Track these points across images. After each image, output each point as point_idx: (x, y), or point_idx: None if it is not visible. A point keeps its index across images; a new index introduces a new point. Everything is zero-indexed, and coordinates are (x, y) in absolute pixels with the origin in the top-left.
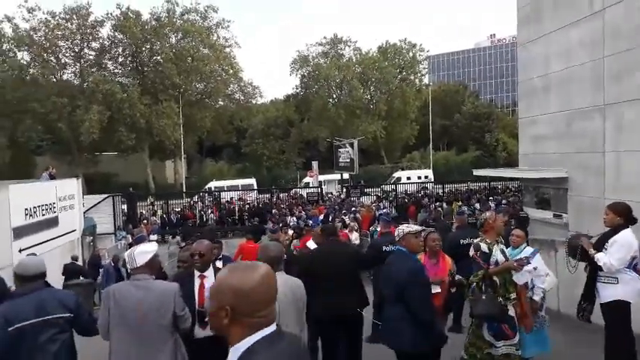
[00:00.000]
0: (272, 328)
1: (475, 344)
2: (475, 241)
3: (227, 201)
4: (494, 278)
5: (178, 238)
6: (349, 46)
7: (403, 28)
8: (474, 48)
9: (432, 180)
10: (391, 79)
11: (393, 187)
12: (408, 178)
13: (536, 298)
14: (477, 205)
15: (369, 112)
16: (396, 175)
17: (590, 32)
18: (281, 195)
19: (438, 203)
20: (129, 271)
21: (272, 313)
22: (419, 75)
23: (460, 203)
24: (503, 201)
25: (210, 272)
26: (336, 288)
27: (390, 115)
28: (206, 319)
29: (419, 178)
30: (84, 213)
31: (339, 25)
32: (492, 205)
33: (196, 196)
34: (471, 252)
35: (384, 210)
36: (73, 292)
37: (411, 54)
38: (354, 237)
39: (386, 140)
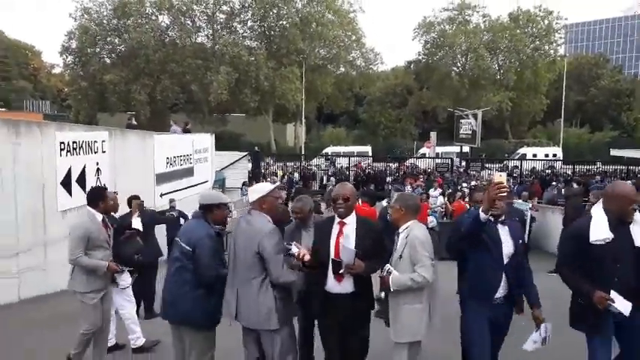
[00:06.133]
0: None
1: None
2: None
3: (341, 166)
4: None
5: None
6: (477, 12)
7: None
8: (620, 16)
9: (561, 159)
10: (522, 48)
11: (517, 163)
12: (534, 155)
13: None
14: None
15: (495, 82)
16: (521, 151)
17: None
18: (394, 164)
19: (570, 184)
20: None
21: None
22: (554, 45)
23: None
24: None
25: (352, 219)
26: None
27: (518, 86)
28: (341, 271)
29: (546, 155)
30: (221, 170)
31: None
32: None
33: (314, 159)
34: None
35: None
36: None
37: (546, 22)
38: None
39: (511, 113)
